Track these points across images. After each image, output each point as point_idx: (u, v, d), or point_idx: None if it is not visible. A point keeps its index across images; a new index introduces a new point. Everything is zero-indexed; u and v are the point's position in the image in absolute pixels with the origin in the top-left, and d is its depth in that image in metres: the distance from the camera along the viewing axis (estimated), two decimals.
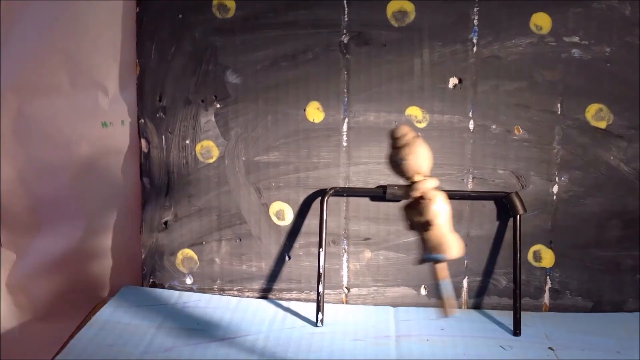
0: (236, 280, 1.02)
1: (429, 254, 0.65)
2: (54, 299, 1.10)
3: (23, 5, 1.00)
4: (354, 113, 0.97)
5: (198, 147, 1.00)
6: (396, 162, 0.66)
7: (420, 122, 0.96)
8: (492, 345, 0.87)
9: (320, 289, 0.95)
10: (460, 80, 0.95)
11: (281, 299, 1.01)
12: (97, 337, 0.88)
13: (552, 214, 0.96)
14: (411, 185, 0.66)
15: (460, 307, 0.98)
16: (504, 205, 0.95)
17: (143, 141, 1.01)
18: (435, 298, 0.95)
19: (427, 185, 0.65)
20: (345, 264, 1.00)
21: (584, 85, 0.93)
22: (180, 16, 0.97)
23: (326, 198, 0.96)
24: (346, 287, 1.00)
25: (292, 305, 0.99)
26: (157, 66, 0.99)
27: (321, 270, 0.95)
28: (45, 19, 1.00)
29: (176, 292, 1.02)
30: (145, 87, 1.00)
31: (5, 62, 1.02)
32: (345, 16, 0.95)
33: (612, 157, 0.94)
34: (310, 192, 0.99)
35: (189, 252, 1.02)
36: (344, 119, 0.97)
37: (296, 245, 1.00)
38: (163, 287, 1.03)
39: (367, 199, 0.98)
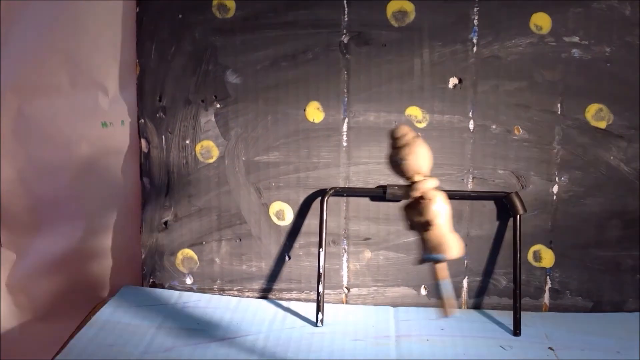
0: (236, 280, 1.02)
1: (429, 254, 0.65)
2: (54, 299, 1.10)
3: (23, 5, 1.00)
4: (354, 113, 0.97)
5: (198, 147, 1.00)
6: (396, 162, 0.66)
7: (420, 122, 0.96)
8: (492, 345, 0.87)
9: (320, 289, 0.94)
10: (460, 80, 0.95)
11: (281, 299, 1.01)
12: (97, 337, 0.88)
13: (552, 214, 0.96)
14: (411, 185, 0.66)
15: (460, 307, 0.98)
16: (504, 205, 0.95)
17: (143, 141, 1.01)
18: (435, 298, 0.95)
19: (427, 185, 0.65)
20: (345, 264, 1.00)
21: (584, 85, 0.93)
22: (180, 16, 0.97)
23: (326, 198, 0.96)
24: (346, 287, 1.00)
25: (292, 305, 0.99)
26: (157, 66, 0.99)
27: (321, 270, 0.95)
28: (45, 19, 1.00)
29: (176, 292, 1.02)
30: (145, 87, 1.00)
31: (5, 62, 1.02)
32: (345, 16, 0.95)
33: (612, 157, 0.94)
34: (310, 192, 0.99)
35: (189, 252, 1.02)
36: (344, 119, 0.97)
37: (296, 245, 1.00)
38: (163, 287, 1.03)
39: (367, 199, 0.98)
